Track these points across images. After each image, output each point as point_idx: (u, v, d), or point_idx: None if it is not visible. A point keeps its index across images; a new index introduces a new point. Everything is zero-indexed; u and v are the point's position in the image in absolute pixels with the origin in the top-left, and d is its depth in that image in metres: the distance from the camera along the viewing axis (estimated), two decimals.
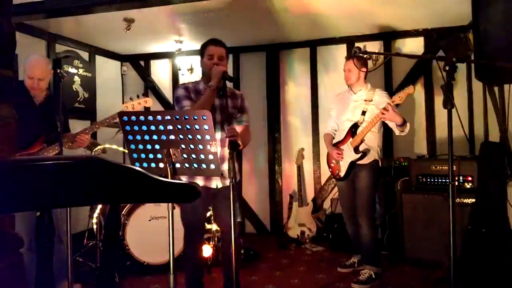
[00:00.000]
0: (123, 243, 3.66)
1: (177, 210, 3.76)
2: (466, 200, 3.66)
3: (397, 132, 3.44)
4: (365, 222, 3.49)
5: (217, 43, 2.76)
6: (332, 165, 3.76)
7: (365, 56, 3.74)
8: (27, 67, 2.92)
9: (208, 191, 2.72)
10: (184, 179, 2.72)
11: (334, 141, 3.72)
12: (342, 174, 3.62)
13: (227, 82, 2.57)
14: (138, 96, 3.22)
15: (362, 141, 3.48)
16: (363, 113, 3.50)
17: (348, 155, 3.54)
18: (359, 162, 3.50)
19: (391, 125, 3.44)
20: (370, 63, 4.75)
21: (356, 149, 3.49)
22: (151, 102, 3.30)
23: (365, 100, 3.53)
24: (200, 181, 2.69)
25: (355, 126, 3.52)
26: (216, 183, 2.71)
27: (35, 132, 2.88)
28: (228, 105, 2.71)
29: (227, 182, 2.72)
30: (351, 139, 3.52)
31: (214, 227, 3.85)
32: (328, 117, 3.97)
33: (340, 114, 3.70)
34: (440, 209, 3.69)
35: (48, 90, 3.13)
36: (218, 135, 2.67)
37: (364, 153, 3.48)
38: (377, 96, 3.51)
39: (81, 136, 3.01)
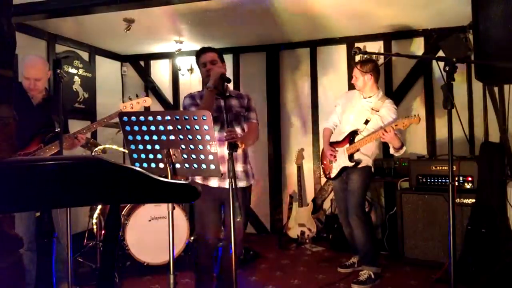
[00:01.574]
0: (123, 244, 3.66)
1: (178, 211, 3.77)
2: (466, 201, 3.66)
3: (391, 151, 3.46)
4: (356, 223, 3.49)
5: (205, 50, 2.82)
6: (325, 163, 3.78)
7: (368, 56, 3.72)
8: (24, 68, 2.91)
9: (220, 191, 2.71)
10: (198, 180, 2.72)
11: (332, 140, 3.72)
12: (332, 175, 3.66)
13: (230, 83, 2.61)
14: (137, 96, 3.23)
15: (357, 150, 3.49)
16: (366, 122, 3.49)
17: (342, 159, 3.56)
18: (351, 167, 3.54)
19: (389, 143, 3.44)
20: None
21: (350, 157, 3.50)
22: (150, 102, 3.30)
23: (372, 109, 3.50)
24: (214, 181, 2.69)
25: (354, 134, 3.52)
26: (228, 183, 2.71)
27: (32, 132, 2.88)
28: (231, 105, 2.73)
29: (240, 183, 2.72)
30: (347, 145, 3.53)
31: None
32: (331, 111, 3.93)
33: (344, 113, 3.69)
34: (440, 210, 3.70)
35: (47, 91, 3.12)
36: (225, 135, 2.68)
37: (358, 163, 3.50)
38: (385, 109, 3.47)
39: (78, 136, 3.00)
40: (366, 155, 3.52)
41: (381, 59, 4.70)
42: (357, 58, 3.77)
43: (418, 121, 3.26)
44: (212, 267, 2.94)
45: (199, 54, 2.83)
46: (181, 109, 2.81)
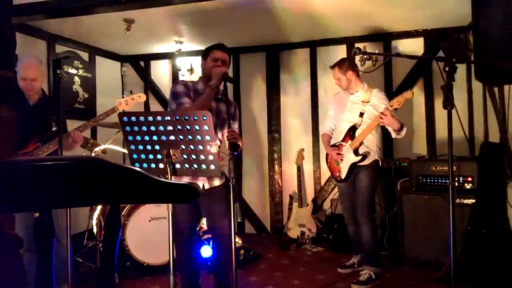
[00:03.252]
0: (123, 244, 3.65)
1: None
2: (466, 201, 3.66)
3: (393, 135, 3.44)
4: (365, 222, 3.49)
5: (224, 48, 2.80)
6: (332, 166, 3.75)
7: (363, 56, 3.73)
8: (20, 68, 2.90)
9: None
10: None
11: (333, 142, 3.72)
12: (343, 176, 3.61)
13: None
14: (131, 92, 3.23)
15: (361, 143, 3.48)
16: (361, 114, 3.50)
17: (348, 157, 3.54)
18: (360, 163, 3.50)
19: (388, 127, 3.45)
20: (370, 63, 4.76)
21: (355, 152, 3.49)
22: (144, 98, 3.29)
23: (362, 101, 3.52)
24: (186, 180, 2.68)
25: (353, 128, 3.52)
26: (202, 183, 2.69)
27: (29, 132, 2.88)
28: (227, 109, 2.72)
29: (215, 183, 2.73)
30: (350, 141, 3.52)
31: None
32: (325, 117, 3.98)
33: (337, 114, 3.70)
34: (440, 210, 3.69)
35: (43, 91, 3.12)
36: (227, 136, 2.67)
37: (365, 156, 3.48)
38: (374, 97, 3.50)
39: (74, 132, 3.01)
40: (371, 148, 3.52)
41: (381, 60, 4.70)
42: (357, 58, 3.79)
43: (411, 94, 3.23)
44: (195, 264, 2.93)
45: (215, 48, 2.79)
46: (171, 92, 2.74)
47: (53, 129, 2.97)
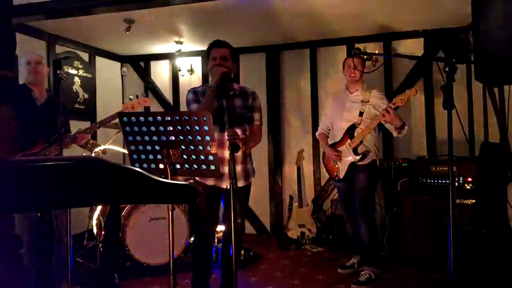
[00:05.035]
0: (123, 244, 3.65)
1: (177, 212, 3.77)
2: (466, 201, 3.66)
3: (394, 134, 3.43)
4: (364, 222, 3.49)
5: (219, 44, 2.77)
6: (330, 166, 3.75)
7: (365, 57, 3.73)
8: (24, 57, 3.01)
9: (217, 190, 2.71)
10: (197, 179, 2.73)
11: (331, 142, 3.71)
12: (341, 175, 3.60)
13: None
14: (137, 96, 3.28)
15: (361, 142, 3.48)
16: (361, 113, 3.50)
17: (347, 156, 3.54)
18: (358, 163, 3.50)
19: (389, 126, 3.44)
20: (369, 64, 4.76)
21: (355, 151, 3.48)
22: (149, 102, 3.38)
23: (361, 101, 3.52)
24: (210, 181, 2.69)
25: (352, 127, 3.51)
26: (226, 183, 2.70)
27: (37, 132, 2.90)
28: (234, 106, 2.71)
29: (239, 183, 2.72)
30: (349, 140, 3.52)
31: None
32: (322, 117, 3.97)
33: (336, 113, 3.69)
34: (440, 210, 3.69)
35: (48, 92, 3.15)
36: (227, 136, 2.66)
37: (365, 155, 3.47)
38: (374, 97, 3.50)
39: (81, 136, 3.04)
40: (369, 147, 3.51)
41: (381, 60, 4.71)
42: None
43: (415, 92, 3.21)
44: (209, 262, 2.93)
45: (212, 46, 2.78)
46: (185, 103, 2.82)
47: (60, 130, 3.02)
